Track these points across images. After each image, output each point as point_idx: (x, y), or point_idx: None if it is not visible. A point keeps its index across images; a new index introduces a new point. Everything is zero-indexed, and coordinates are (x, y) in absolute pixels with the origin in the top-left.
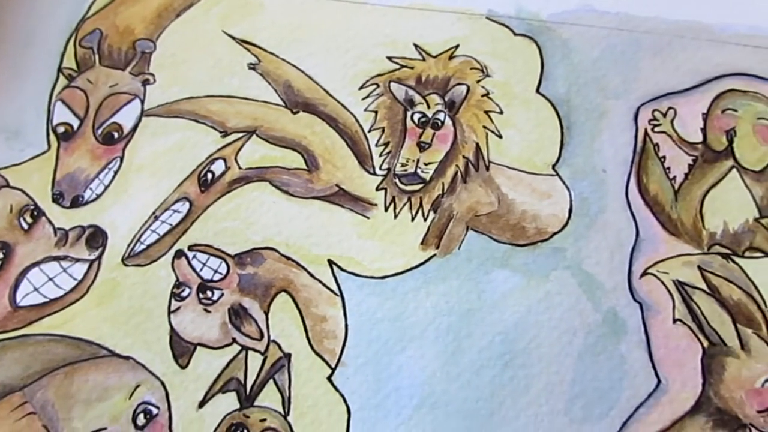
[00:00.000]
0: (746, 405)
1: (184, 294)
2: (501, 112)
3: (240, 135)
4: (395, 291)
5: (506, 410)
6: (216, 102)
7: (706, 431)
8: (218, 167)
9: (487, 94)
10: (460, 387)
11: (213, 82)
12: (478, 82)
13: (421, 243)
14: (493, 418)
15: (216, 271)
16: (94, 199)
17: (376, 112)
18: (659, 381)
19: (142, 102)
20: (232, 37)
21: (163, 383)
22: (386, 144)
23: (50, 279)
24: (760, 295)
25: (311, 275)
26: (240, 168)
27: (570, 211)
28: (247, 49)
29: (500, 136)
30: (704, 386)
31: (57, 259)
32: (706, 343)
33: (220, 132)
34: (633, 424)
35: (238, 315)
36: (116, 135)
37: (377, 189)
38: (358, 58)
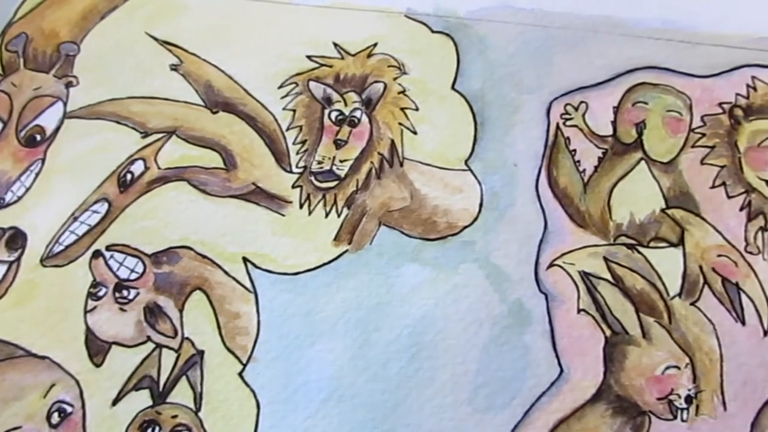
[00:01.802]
0: (646, 392)
1: (101, 293)
2: (417, 109)
3: (160, 135)
4: (307, 287)
5: (411, 402)
6: (137, 103)
7: (606, 419)
8: (138, 168)
9: (403, 91)
10: (367, 380)
11: (135, 84)
12: (395, 79)
13: (334, 239)
14: (398, 410)
15: (132, 271)
16: (15, 201)
17: (294, 111)
18: (562, 370)
19: (65, 104)
20: (155, 39)
21: (78, 382)
22: (303, 142)
23: None
24: (663, 284)
25: (226, 273)
26: (159, 168)
27: (481, 205)
28: (170, 50)
29: (415, 133)
30: (605, 374)
31: None
32: (608, 333)
33: (141, 133)
34: (535, 413)
35: (153, 313)
36: (38, 137)
37: (293, 186)
38: (279, 57)
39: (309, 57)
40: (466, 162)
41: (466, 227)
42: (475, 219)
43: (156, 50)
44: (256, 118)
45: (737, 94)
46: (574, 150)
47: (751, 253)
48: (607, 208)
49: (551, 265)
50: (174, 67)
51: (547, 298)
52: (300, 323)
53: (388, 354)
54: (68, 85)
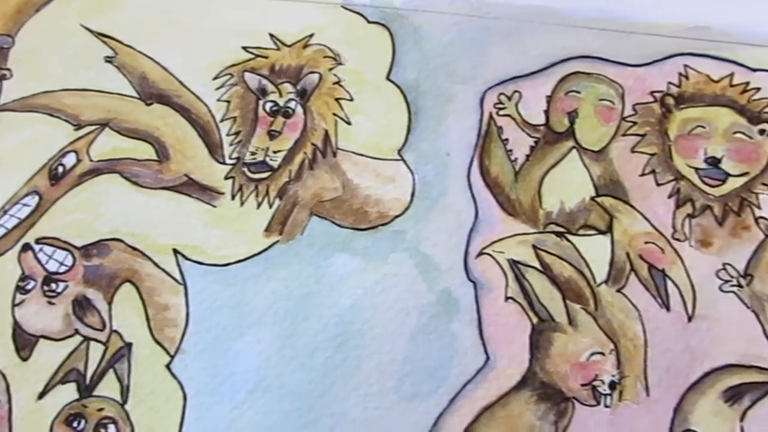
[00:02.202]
0: (570, 378)
1: (29, 287)
2: (351, 99)
3: (93, 128)
4: (237, 278)
5: (337, 391)
6: (71, 95)
7: (530, 405)
8: (69, 160)
9: (338, 82)
10: (293, 370)
11: (70, 76)
12: (330, 70)
13: (265, 230)
14: (324, 399)
15: (62, 264)
16: None
17: (228, 102)
18: (488, 358)
19: None
20: (90, 31)
21: (4, 376)
22: (237, 133)
23: None
24: (591, 271)
25: (156, 265)
26: (91, 160)
27: (412, 194)
28: (105, 42)
29: (349, 123)
30: (531, 361)
31: None
32: (535, 320)
33: (74, 125)
34: (460, 400)
35: (81, 306)
36: None
37: (226, 178)
38: (215, 48)
39: (245, 48)
40: (399, 152)
41: (397, 217)
42: (407, 208)
43: (91, 43)
44: (190, 109)
45: (669, 83)
46: (507, 139)
47: (678, 239)
48: (538, 196)
49: (480, 253)
50: (109, 59)
51: (475, 287)
52: (229, 314)
53: (315, 344)
54: (2, 78)
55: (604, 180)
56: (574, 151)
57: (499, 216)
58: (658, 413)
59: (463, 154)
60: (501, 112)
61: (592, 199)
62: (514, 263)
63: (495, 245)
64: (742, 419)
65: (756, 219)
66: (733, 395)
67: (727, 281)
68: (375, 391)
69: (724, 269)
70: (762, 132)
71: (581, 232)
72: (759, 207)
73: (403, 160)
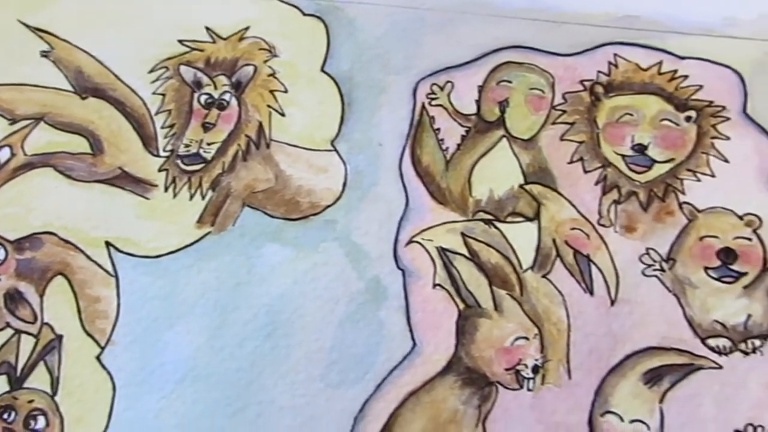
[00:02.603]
0: (495, 363)
1: None
2: (286, 91)
3: (28, 122)
4: (168, 269)
5: (265, 379)
6: (7, 90)
7: (455, 390)
8: (3, 154)
9: (273, 74)
10: (222, 359)
11: (6, 71)
12: (265, 62)
13: (197, 221)
14: (251, 387)
15: None
16: None
17: (164, 95)
18: (414, 344)
19: None
20: (27, 26)
21: None
22: (172, 126)
23: None
24: (517, 257)
25: (88, 257)
26: (26, 154)
27: (344, 184)
28: (41, 37)
29: (283, 115)
30: (457, 347)
31: None
32: (462, 306)
33: (9, 120)
34: (386, 386)
35: (13, 299)
36: None
37: (159, 170)
38: (151, 42)
39: (181, 41)
40: (332, 143)
41: (328, 206)
42: (338, 198)
43: (28, 37)
44: (125, 102)
45: (599, 72)
46: (439, 129)
47: (603, 225)
48: (468, 184)
49: (410, 242)
50: (45, 54)
51: (404, 274)
52: (159, 305)
53: (244, 333)
54: None
55: (533, 168)
56: (504, 139)
57: (429, 205)
58: (579, 396)
59: (395, 144)
60: (433, 102)
61: (521, 186)
62: (442, 251)
63: (424, 233)
64: (661, 401)
65: (680, 204)
66: (653, 377)
67: (649, 265)
68: (302, 379)
69: (647, 254)
70: (688, 119)
71: (509, 219)
72: (683, 192)
73: (335, 150)
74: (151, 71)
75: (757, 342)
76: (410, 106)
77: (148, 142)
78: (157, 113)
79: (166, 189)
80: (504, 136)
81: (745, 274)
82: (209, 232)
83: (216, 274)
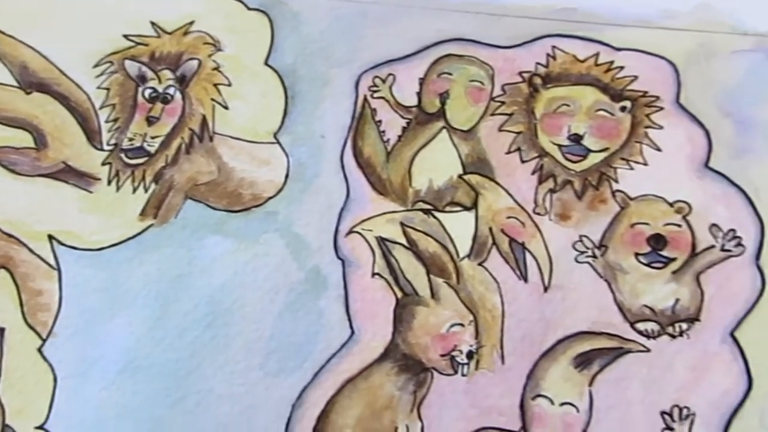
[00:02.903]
0: (431, 350)
1: None
2: (230, 85)
3: None
4: (110, 262)
5: (204, 369)
6: None
7: (391, 376)
8: None
9: (217, 68)
10: (163, 350)
11: None
12: (209, 56)
13: (140, 214)
14: (191, 377)
15: None
16: None
17: (108, 90)
18: (353, 332)
19: None
20: None
21: None
22: (116, 120)
23: None
24: (455, 246)
25: (31, 251)
26: None
27: (287, 176)
28: None
29: (227, 108)
30: (394, 335)
31: None
32: (400, 295)
33: None
34: (324, 374)
35: None
36: None
37: (103, 164)
38: (96, 37)
39: (126, 36)
40: (275, 135)
41: (270, 198)
42: (280, 190)
43: None
44: (70, 97)
45: (537, 63)
46: (380, 121)
47: (538, 214)
48: (408, 175)
49: (350, 232)
50: None
51: (344, 264)
52: (101, 298)
53: (185, 324)
54: None
55: (471, 158)
56: (444, 131)
57: (369, 195)
58: (511, 380)
59: (338, 136)
60: (375, 95)
61: (460, 177)
62: (381, 240)
63: (364, 224)
64: (590, 384)
65: (613, 192)
66: (583, 361)
67: (582, 252)
68: (241, 368)
69: (581, 241)
70: (623, 109)
71: (448, 208)
72: (617, 181)
73: (278, 143)
74: (96, 66)
75: (684, 325)
76: (353, 99)
77: (92, 136)
78: (101, 107)
79: (110, 182)
80: (444, 127)
81: (674, 259)
82: (152, 224)
83: (157, 266)
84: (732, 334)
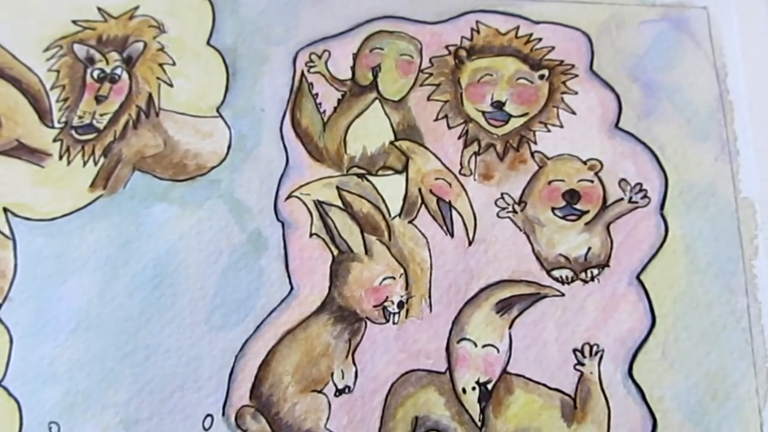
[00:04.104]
0: (364, 301)
1: None
2: (174, 64)
3: None
4: (62, 230)
5: (152, 325)
6: None
7: (328, 327)
8: None
9: (162, 49)
10: (113, 309)
11: None
12: (154, 38)
13: (90, 185)
14: (140, 333)
15: None
16: None
17: (58, 72)
18: (292, 288)
19: None
20: None
21: None
22: (66, 99)
23: None
24: (387, 207)
25: None
26: None
27: (229, 147)
28: None
29: (171, 85)
30: (330, 289)
31: None
32: (336, 252)
33: None
34: (265, 327)
35: None
36: None
37: (54, 141)
38: (45, 23)
39: (74, 22)
40: (217, 109)
41: (214, 167)
42: (223, 160)
43: None
44: (22, 80)
45: (463, 37)
46: (317, 94)
47: (464, 175)
48: (343, 143)
49: (289, 196)
50: None
51: (283, 226)
52: (53, 264)
53: (133, 285)
54: None
55: (402, 126)
56: (377, 101)
57: (307, 162)
58: (438, 326)
59: (276, 109)
60: (312, 70)
61: (391, 143)
62: (318, 203)
63: (303, 188)
64: (510, 326)
65: (532, 153)
66: (504, 306)
67: (503, 208)
68: (187, 324)
69: (502, 198)
70: (542, 77)
71: (380, 173)
72: (535, 143)
73: (221, 116)
74: (46, 50)
75: (595, 271)
76: (290, 74)
77: (44, 115)
78: (52, 88)
79: (61, 157)
80: (377, 98)
81: (586, 212)
82: (101, 195)
83: (107, 233)
84: (638, 278)
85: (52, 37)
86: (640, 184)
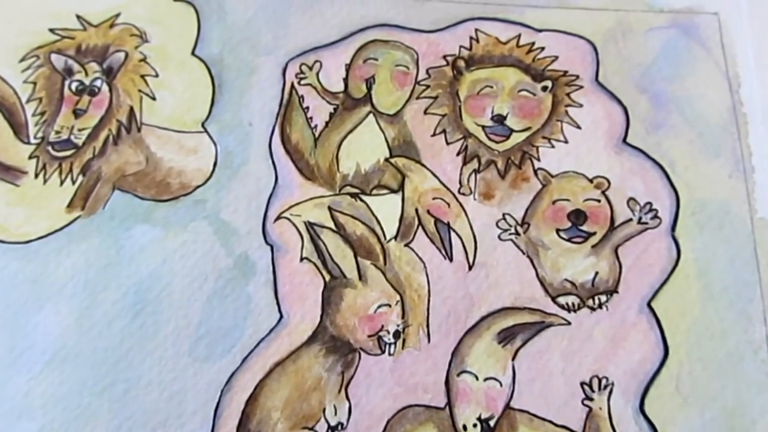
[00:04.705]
0: (358, 331)
1: None
2: (156, 76)
3: None
4: (38, 253)
5: (133, 356)
6: None
7: (319, 358)
8: None
9: (144, 59)
10: (91, 339)
11: None
12: (136, 48)
13: (68, 206)
14: (120, 365)
15: None
16: None
17: (35, 83)
18: (281, 316)
19: None
20: None
21: None
22: (42, 113)
23: None
24: (382, 228)
25: None
26: None
27: (215, 164)
28: None
29: (154, 98)
30: (322, 317)
31: None
32: (328, 278)
33: None
34: (253, 358)
35: None
36: None
37: (30, 157)
38: (21, 32)
39: (51, 30)
40: (202, 124)
41: (199, 187)
42: (209, 178)
43: None
44: None
45: (461, 47)
46: (308, 107)
47: (463, 194)
48: (336, 160)
49: (278, 217)
50: None
51: (272, 249)
52: (28, 289)
53: (113, 312)
54: None
55: (398, 141)
56: (371, 115)
57: (297, 181)
58: (437, 357)
59: (265, 124)
60: (302, 82)
61: (386, 160)
62: (310, 225)
63: (293, 209)
64: (514, 358)
65: (535, 170)
66: (506, 336)
67: (505, 230)
68: (170, 355)
69: (504, 219)
70: (545, 89)
71: (375, 192)
72: (539, 159)
73: (206, 131)
74: (22, 60)
75: (603, 298)
76: (280, 86)
77: (19, 129)
78: (27, 101)
79: (36, 176)
80: (371, 112)
81: (593, 233)
82: (79, 216)
83: (85, 257)
84: (649, 304)
85: (28, 47)
86: (650, 204)
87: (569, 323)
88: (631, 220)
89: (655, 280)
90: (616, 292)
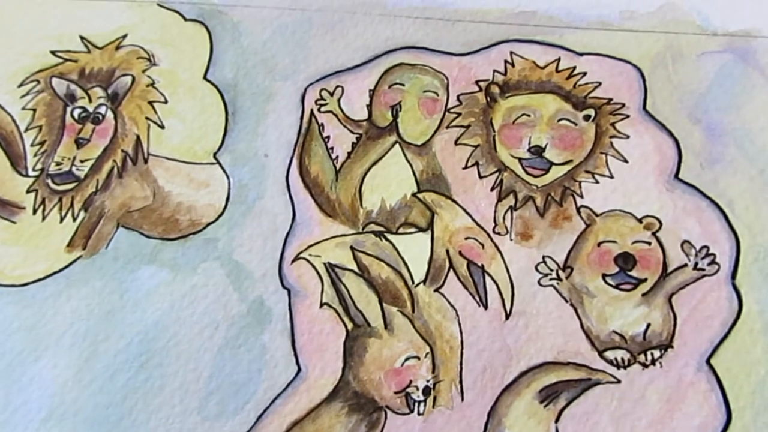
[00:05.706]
0: (384, 386)
1: None
2: (165, 102)
3: None
4: (35, 298)
5: (137, 414)
6: None
7: (341, 417)
8: None
9: (152, 84)
10: (91, 394)
11: None
12: (144, 71)
13: (68, 245)
14: (122, 423)
15: None
16: None
17: (34, 110)
18: (299, 369)
19: None
20: None
21: None
22: (42, 143)
23: None
24: (409, 271)
25: None
26: None
27: (227, 199)
28: None
29: (162, 127)
30: (344, 370)
31: None
32: (350, 326)
33: None
34: (268, 417)
35: None
36: None
37: (28, 191)
38: (21, 54)
39: (53, 52)
40: (214, 155)
41: (210, 224)
42: (221, 215)
43: None
44: None
45: (495, 71)
46: (328, 137)
47: (498, 233)
48: (359, 195)
49: (296, 258)
50: None
51: (289, 294)
52: (24, 338)
53: (115, 365)
54: None
55: (426, 174)
56: (397, 146)
57: (317, 218)
58: (471, 417)
59: (282, 155)
60: (322, 109)
61: (414, 195)
62: (330, 267)
63: (312, 249)
64: (557, 420)
65: (578, 208)
66: (548, 395)
67: (546, 275)
68: (178, 412)
69: (544, 262)
70: (587, 118)
71: (401, 230)
72: (581, 195)
73: (218, 163)
74: (21, 85)
75: (657, 353)
76: (298, 114)
77: (17, 161)
78: (26, 130)
79: (35, 211)
80: (396, 141)
81: (644, 280)
82: (80, 256)
83: (86, 302)
84: (708, 362)
85: (27, 70)
86: (707, 248)
87: (619, 381)
88: (686, 265)
89: (714, 334)
90: (671, 346)
